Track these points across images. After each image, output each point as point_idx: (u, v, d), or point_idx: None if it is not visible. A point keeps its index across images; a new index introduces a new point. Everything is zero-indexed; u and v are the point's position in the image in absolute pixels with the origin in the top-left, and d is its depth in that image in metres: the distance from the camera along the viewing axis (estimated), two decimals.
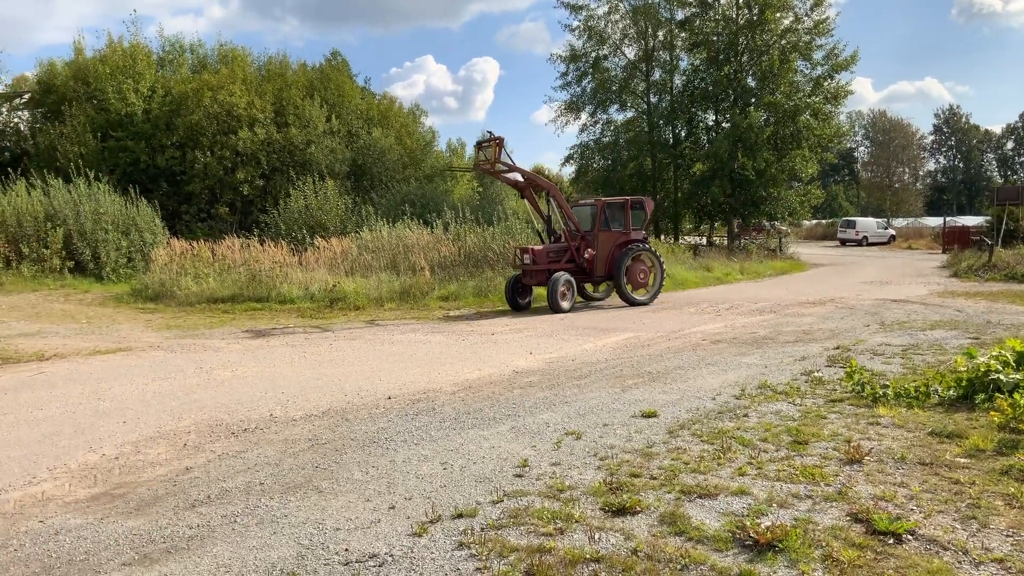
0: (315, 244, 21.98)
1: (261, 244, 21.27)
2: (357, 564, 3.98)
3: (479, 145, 17.14)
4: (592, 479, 5.18)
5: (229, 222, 28.14)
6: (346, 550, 4.14)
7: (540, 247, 16.53)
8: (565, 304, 15.74)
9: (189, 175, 28.12)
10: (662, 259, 17.66)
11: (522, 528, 4.36)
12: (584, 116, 38.38)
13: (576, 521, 4.43)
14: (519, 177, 16.76)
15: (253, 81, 30.57)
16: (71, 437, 6.65)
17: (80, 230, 21.75)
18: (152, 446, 6.35)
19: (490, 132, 16.15)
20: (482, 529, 4.36)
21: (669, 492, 4.90)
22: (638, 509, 4.58)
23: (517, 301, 16.51)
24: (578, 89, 37.72)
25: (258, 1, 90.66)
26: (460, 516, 4.57)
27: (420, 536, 4.30)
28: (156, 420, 7.22)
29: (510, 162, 16.38)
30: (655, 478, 5.18)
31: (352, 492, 5.07)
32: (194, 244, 20.91)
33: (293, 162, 29.14)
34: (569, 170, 41.97)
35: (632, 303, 16.68)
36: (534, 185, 17.02)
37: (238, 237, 22.35)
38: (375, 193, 29.58)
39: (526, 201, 17.36)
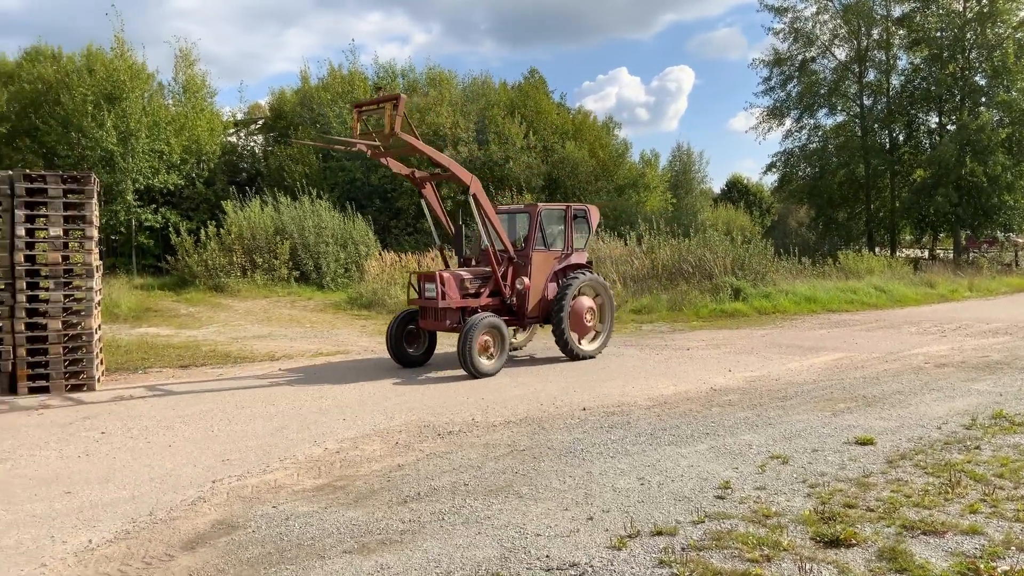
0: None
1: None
2: (558, 571, 4.03)
3: (359, 108, 10.78)
4: (801, 506, 4.91)
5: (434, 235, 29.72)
6: (547, 556, 4.22)
7: (451, 272, 10.97)
8: (487, 363, 10.26)
9: (398, 192, 30.06)
10: (612, 292, 12.56)
11: (725, 552, 4.22)
12: (788, 122, 36.65)
13: (784, 549, 4.22)
14: (439, 160, 10.61)
15: (458, 102, 32.13)
16: (298, 431, 7.32)
17: (304, 243, 23.90)
18: (368, 443, 6.84)
19: (378, 88, 9.87)
20: (683, 549, 4.27)
21: (889, 526, 4.54)
22: (853, 542, 4.28)
23: (405, 350, 11.16)
24: (782, 94, 36.12)
25: (456, 27, 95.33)
26: (659, 533, 4.51)
27: (619, 550, 4.29)
28: (371, 418, 7.78)
29: (413, 137, 10.43)
30: (872, 510, 4.81)
31: (551, 500, 5.16)
32: (402, 256, 22.29)
33: (492, 177, 30.24)
34: (771, 179, 40.23)
35: (574, 356, 11.40)
36: (448, 177, 11.04)
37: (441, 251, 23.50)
38: None
39: (423, 202, 11.57)
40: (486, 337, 10.28)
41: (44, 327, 9.40)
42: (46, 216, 9.56)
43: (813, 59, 35.41)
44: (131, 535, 4.71)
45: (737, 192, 46.69)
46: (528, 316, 11.38)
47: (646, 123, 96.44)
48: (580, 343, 11.54)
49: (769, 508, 4.87)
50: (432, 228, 12.07)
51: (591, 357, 11.58)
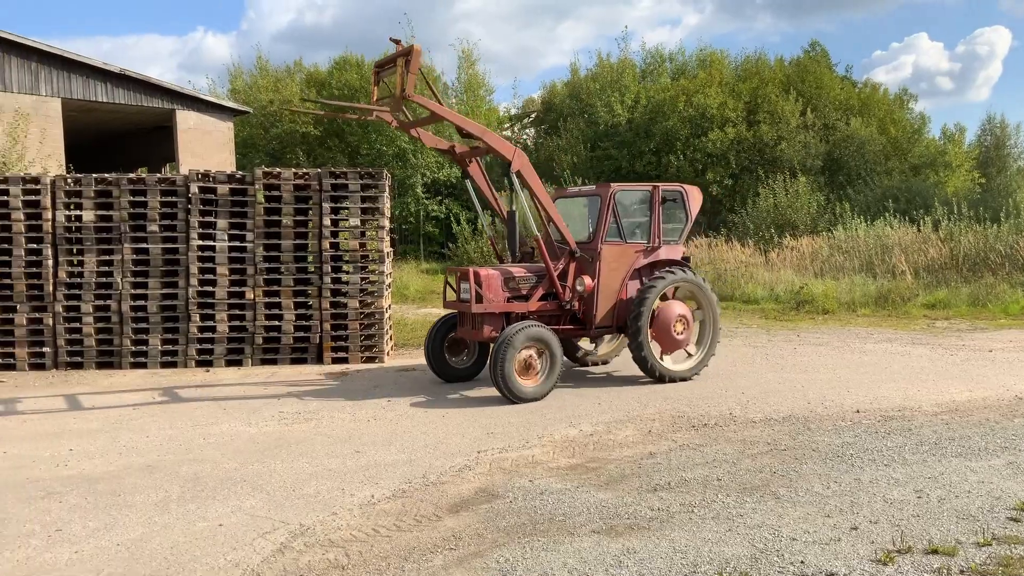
0: (783, 244, 21.44)
1: (727, 243, 21.49)
2: None
3: (379, 69, 8.91)
4: None
5: (699, 222, 29.07)
6: (802, 562, 4.00)
7: (494, 269, 8.83)
8: (528, 386, 8.09)
9: (663, 179, 29.83)
10: (715, 297, 9.61)
11: None
12: None
13: None
14: (470, 130, 8.70)
15: (728, 82, 31.04)
16: (555, 412, 7.62)
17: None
18: (621, 428, 6.94)
19: (395, 40, 8.04)
20: (961, 571, 3.82)
21: None
22: None
23: (446, 361, 9.33)
24: None
25: (730, 4, 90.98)
26: (934, 552, 4.07)
27: (885, 564, 3.94)
28: (625, 404, 7.88)
29: (433, 100, 8.59)
30: None
31: (811, 504, 4.87)
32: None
33: (762, 160, 28.82)
34: None
35: (658, 377, 8.94)
36: (487, 151, 9.25)
37: (706, 236, 22.96)
38: (851, 189, 27.66)
39: (468, 184, 9.85)
40: (527, 352, 8.09)
41: (344, 305, 10.75)
42: (347, 208, 10.89)
43: None
44: (406, 494, 5.25)
45: None
46: (597, 324, 9.06)
47: (949, 94, 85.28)
48: (665, 360, 9.12)
49: None
50: (481, 217, 10.82)
51: (682, 379, 9.07)
